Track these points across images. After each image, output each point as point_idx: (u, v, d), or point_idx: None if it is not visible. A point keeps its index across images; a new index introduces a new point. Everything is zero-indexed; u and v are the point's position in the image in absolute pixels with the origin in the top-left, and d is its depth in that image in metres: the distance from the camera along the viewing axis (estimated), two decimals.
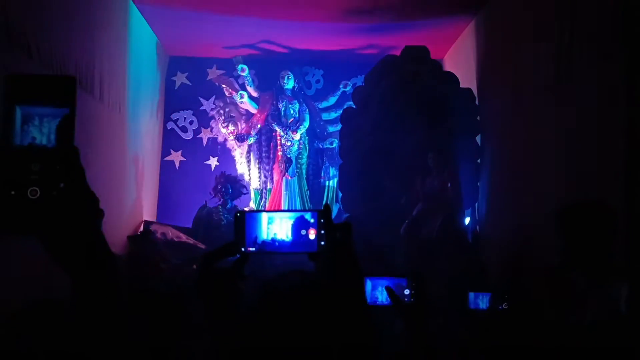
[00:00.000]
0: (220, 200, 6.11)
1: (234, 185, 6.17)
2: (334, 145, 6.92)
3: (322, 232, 0.99)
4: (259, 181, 6.92)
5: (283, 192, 6.74)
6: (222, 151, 7.27)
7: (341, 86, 7.13)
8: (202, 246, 5.50)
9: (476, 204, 5.38)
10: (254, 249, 1.01)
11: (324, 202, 6.89)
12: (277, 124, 6.86)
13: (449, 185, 4.77)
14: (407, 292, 1.52)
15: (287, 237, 1.01)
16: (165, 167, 7.26)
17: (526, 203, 4.12)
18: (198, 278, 1.04)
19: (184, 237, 5.67)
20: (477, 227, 5.24)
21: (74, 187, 0.60)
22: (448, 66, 6.60)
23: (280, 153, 6.83)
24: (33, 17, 3.37)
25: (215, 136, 7.27)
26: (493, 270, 4.49)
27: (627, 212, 2.59)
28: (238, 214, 1.02)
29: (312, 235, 1.00)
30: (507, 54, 4.69)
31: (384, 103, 5.40)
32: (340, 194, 6.51)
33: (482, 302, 1.94)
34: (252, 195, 6.98)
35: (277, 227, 1.01)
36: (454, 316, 2.25)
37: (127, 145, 5.66)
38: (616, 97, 2.85)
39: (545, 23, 3.84)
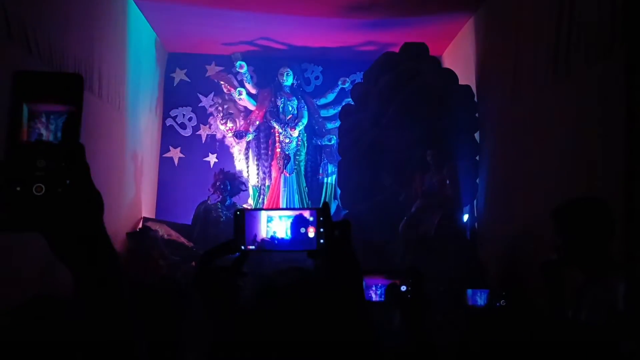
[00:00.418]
0: (219, 197, 6.11)
1: (233, 182, 6.17)
2: (332, 142, 6.92)
3: (322, 230, 0.99)
4: (257, 178, 6.92)
5: (281, 189, 6.74)
6: (221, 148, 7.27)
7: (339, 83, 7.13)
8: (190, 244, 5.50)
9: (475, 201, 5.39)
10: (253, 247, 1.01)
11: (322, 199, 6.89)
12: (276, 121, 6.86)
13: (448, 182, 4.77)
14: (404, 288, 1.52)
15: (287, 235, 1.01)
16: (164, 164, 7.26)
17: (524, 200, 4.13)
18: (198, 275, 1.05)
19: (174, 235, 5.68)
20: (476, 224, 5.25)
21: (79, 184, 0.61)
22: (447, 63, 6.60)
23: (278, 150, 6.83)
24: (32, 13, 3.36)
25: (214, 133, 7.27)
26: (491, 267, 4.50)
27: (626, 209, 2.60)
28: (238, 212, 1.03)
29: (311, 233, 1.00)
30: (506, 51, 4.69)
31: (383, 100, 5.40)
32: (338, 191, 6.52)
33: (480, 298, 1.95)
34: (251, 192, 6.98)
35: (276, 225, 1.02)
36: (452, 313, 2.26)
37: (126, 141, 5.66)
38: (615, 95, 2.85)
39: (544, 20, 3.84)
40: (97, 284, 0.62)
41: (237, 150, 7.10)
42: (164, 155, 7.27)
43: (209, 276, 1.03)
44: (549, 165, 3.72)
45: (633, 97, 2.70)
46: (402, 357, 1.35)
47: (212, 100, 7.25)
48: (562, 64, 3.51)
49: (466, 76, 5.65)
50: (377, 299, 1.53)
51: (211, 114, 7.24)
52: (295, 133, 6.85)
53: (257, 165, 6.96)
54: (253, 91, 7.05)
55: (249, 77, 6.99)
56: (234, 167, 7.01)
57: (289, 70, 6.93)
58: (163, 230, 5.64)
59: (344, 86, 7.09)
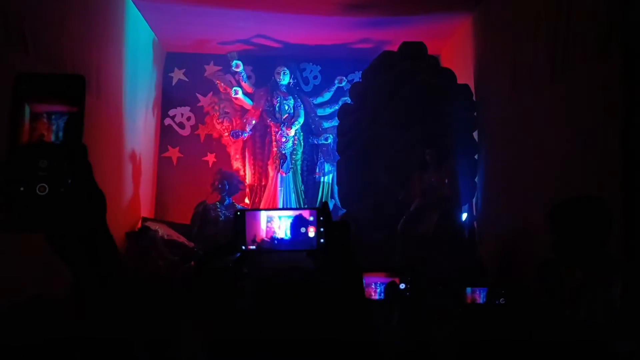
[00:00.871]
0: (218, 196, 6.12)
1: (231, 182, 6.17)
2: (329, 141, 6.91)
3: (321, 230, 1.00)
4: (254, 177, 6.92)
5: (278, 189, 6.73)
6: (218, 147, 7.26)
7: (336, 82, 7.11)
8: (191, 244, 5.50)
9: (473, 200, 5.40)
10: (253, 247, 1.02)
11: (319, 198, 6.89)
12: (272, 120, 6.84)
13: (446, 181, 4.78)
14: (402, 286, 1.53)
15: (286, 235, 1.02)
16: (163, 164, 7.25)
17: (523, 198, 4.14)
18: (198, 276, 1.05)
19: (173, 235, 5.68)
20: (475, 223, 5.26)
21: (81, 183, 0.61)
22: (445, 62, 6.60)
23: (274, 149, 6.83)
24: (30, 13, 3.36)
25: (211, 132, 7.27)
26: (490, 265, 4.51)
27: (624, 207, 2.61)
28: (238, 213, 1.03)
29: (311, 233, 1.01)
30: (504, 50, 4.70)
31: (382, 99, 5.41)
32: (336, 190, 6.53)
33: (479, 296, 1.96)
34: (247, 191, 6.98)
35: (276, 225, 1.03)
36: (451, 310, 2.27)
37: (125, 141, 5.65)
38: (613, 94, 2.86)
39: (543, 20, 3.85)
40: (99, 282, 0.63)
41: (234, 149, 7.09)
42: (162, 155, 7.27)
43: (210, 277, 1.03)
44: (547, 163, 3.73)
45: (630, 96, 2.71)
46: (401, 355, 1.36)
47: (209, 99, 7.24)
48: (559, 63, 3.52)
49: (464, 75, 5.66)
50: (377, 297, 1.54)
51: (208, 112, 7.23)
52: (292, 132, 6.83)
53: (253, 164, 6.95)
54: (249, 90, 7.04)
55: (245, 76, 6.98)
56: (231, 166, 7.01)
57: (285, 69, 6.91)
58: (162, 230, 5.64)
59: (340, 85, 7.08)
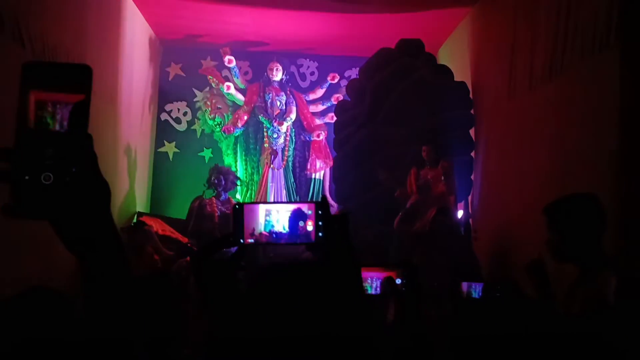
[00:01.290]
0: (214, 192, 6.11)
1: (227, 177, 6.16)
2: (321, 137, 6.90)
3: (320, 223, 1.00)
4: (246, 173, 6.90)
5: (269, 184, 6.72)
6: (214, 143, 7.23)
7: (328, 78, 7.11)
8: (184, 239, 5.50)
9: (469, 197, 5.42)
10: (252, 240, 1.02)
11: (310, 194, 6.89)
12: (264, 116, 6.82)
13: (443, 178, 4.80)
14: (399, 281, 1.54)
15: (285, 229, 1.02)
16: (159, 159, 7.23)
17: (519, 196, 4.16)
18: (197, 269, 1.06)
19: (168, 230, 5.67)
20: (470, 220, 5.28)
21: (86, 172, 0.61)
22: (442, 59, 6.61)
23: (266, 145, 6.81)
24: (25, 7, 3.34)
25: (205, 127, 7.24)
26: (486, 261, 4.54)
27: (619, 206, 2.63)
28: (237, 206, 1.04)
29: (309, 226, 1.01)
30: (501, 47, 4.71)
31: (378, 96, 5.41)
32: (327, 186, 6.55)
33: (475, 291, 1.98)
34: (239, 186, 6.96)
35: (274, 218, 1.03)
36: (447, 305, 2.28)
37: (120, 136, 5.63)
38: (610, 92, 2.88)
39: (540, 17, 3.86)
40: (103, 272, 0.63)
41: (226, 145, 7.07)
42: (158, 150, 7.25)
43: (208, 269, 1.03)
44: (543, 161, 3.74)
45: (626, 94, 2.72)
46: (398, 350, 1.36)
47: (203, 94, 7.21)
48: (557, 61, 3.53)
49: (461, 73, 5.67)
50: (374, 292, 1.55)
51: (199, 108, 7.21)
52: (283, 128, 6.82)
53: (245, 160, 6.93)
54: (242, 86, 7.01)
55: (237, 71, 6.94)
56: (223, 162, 6.98)
57: (278, 65, 6.89)
58: (157, 225, 5.63)
59: (332, 82, 7.07)
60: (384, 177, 4.95)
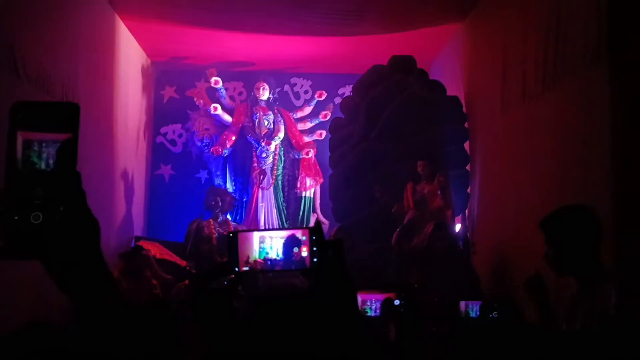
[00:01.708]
0: (212, 214, 6.09)
1: (224, 199, 6.15)
2: (310, 155, 6.90)
3: (314, 249, 1.00)
4: (235, 194, 6.87)
5: (259, 204, 6.70)
6: (201, 164, 7.21)
7: (316, 95, 7.15)
8: (184, 263, 5.46)
9: (466, 211, 5.42)
10: (247, 268, 1.02)
11: (301, 212, 6.86)
12: (252, 136, 6.82)
13: (439, 192, 4.81)
14: (397, 302, 1.53)
15: (279, 255, 1.02)
16: (155, 181, 7.23)
17: (515, 209, 4.17)
18: (194, 298, 1.05)
19: (166, 254, 5.63)
20: (468, 234, 5.28)
21: (75, 211, 0.62)
22: (435, 75, 6.67)
23: (255, 164, 6.80)
24: (20, 36, 3.36)
25: (191, 150, 7.25)
26: (484, 276, 4.52)
27: (614, 218, 2.63)
28: (231, 235, 1.04)
29: (304, 252, 1.01)
30: (493, 61, 4.76)
31: (372, 112, 5.45)
32: (318, 204, 6.54)
33: (473, 310, 1.96)
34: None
35: (268, 245, 1.03)
36: (446, 324, 2.26)
37: (116, 161, 5.64)
38: (600, 104, 2.90)
39: (531, 31, 3.91)
40: (95, 309, 0.63)
41: (215, 166, 7.05)
42: (155, 173, 7.25)
43: (205, 298, 1.03)
44: (538, 174, 3.75)
45: (617, 106, 2.75)
46: None
47: (191, 117, 7.22)
48: (549, 74, 3.56)
49: (454, 87, 5.72)
50: (374, 314, 1.54)
51: (188, 129, 7.22)
52: (272, 147, 6.82)
53: (234, 180, 6.91)
54: (229, 106, 7.01)
55: (224, 92, 6.96)
56: (213, 182, 6.95)
57: (264, 84, 6.90)
58: (155, 249, 5.59)
59: (320, 99, 7.11)
60: (395, 210, 4.93)
